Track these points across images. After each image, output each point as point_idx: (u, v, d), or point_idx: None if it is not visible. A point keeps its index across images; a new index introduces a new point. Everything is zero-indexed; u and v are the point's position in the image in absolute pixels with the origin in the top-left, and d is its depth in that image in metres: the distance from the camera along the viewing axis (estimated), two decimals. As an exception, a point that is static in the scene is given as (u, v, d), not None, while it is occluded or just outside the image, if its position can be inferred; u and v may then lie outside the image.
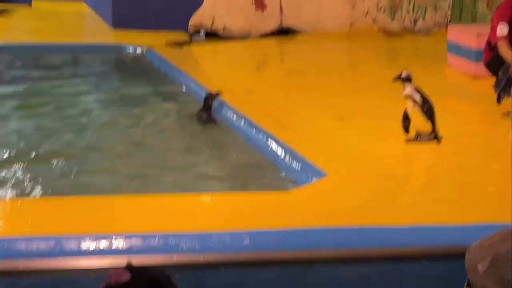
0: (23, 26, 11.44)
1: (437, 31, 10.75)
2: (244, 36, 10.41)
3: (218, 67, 8.21)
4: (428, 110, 4.28)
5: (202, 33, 10.50)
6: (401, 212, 3.24)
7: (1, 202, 3.35)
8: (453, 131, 4.71)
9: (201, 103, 5.36)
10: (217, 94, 5.28)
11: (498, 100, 4.97)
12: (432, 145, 4.36)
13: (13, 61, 8.22)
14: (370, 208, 3.25)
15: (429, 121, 4.27)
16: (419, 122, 4.29)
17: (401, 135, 4.49)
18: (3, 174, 4.04)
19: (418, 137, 4.30)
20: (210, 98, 5.26)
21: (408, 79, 4.38)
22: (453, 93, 5.94)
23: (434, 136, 4.31)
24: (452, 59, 6.97)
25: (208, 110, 5.22)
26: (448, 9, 10.68)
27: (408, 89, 4.35)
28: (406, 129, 4.33)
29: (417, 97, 4.29)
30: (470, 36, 6.63)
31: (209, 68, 8.10)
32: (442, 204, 3.33)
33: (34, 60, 8.24)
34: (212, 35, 10.39)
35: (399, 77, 4.42)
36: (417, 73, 7.37)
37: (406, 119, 4.33)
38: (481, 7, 9.75)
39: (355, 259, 2.83)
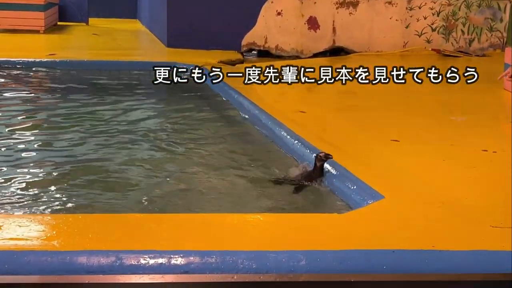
0: (81, 43, 11.75)
1: (492, 53, 10.63)
2: (296, 55, 10.48)
3: (269, 86, 8.24)
4: None
5: (254, 51, 10.63)
6: (459, 237, 3.20)
7: (63, 217, 3.43)
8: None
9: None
10: (327, 156, 4.31)
11: None
12: (490, 172, 4.30)
13: (72, 77, 8.43)
14: (430, 232, 3.22)
15: None
16: None
17: (456, 161, 4.46)
18: (63, 189, 4.14)
19: None
20: (319, 160, 4.30)
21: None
22: (509, 117, 5.84)
23: None
24: (509, 82, 6.87)
25: (316, 173, 4.29)
26: (504, 31, 10.55)
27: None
28: None
29: None
30: (529, 59, 6.54)
31: (260, 87, 8.14)
32: (501, 230, 3.28)
33: (92, 76, 8.44)
34: (264, 53, 10.50)
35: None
36: (473, 96, 7.35)
37: None
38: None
39: (414, 283, 2.81)
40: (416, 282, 2.83)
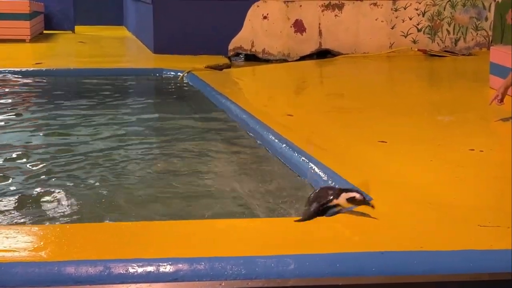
0: (68, 51, 11.71)
1: (478, 52, 10.68)
2: (283, 58, 10.49)
3: (257, 90, 8.27)
4: None
5: (241, 56, 10.63)
6: (447, 237, 3.21)
7: (50, 227, 3.41)
8: (499, 156, 4.67)
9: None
10: (362, 200, 3.35)
11: None
12: (477, 171, 4.32)
13: (59, 85, 8.40)
14: (418, 232, 3.23)
15: None
16: None
17: (444, 161, 4.48)
18: (49, 198, 4.12)
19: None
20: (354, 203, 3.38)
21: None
22: (497, 115, 5.87)
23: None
24: (495, 80, 6.90)
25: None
26: (489, 30, 10.61)
27: None
28: None
29: None
30: (515, 58, 6.57)
31: (247, 91, 8.15)
32: (489, 229, 3.29)
33: (79, 84, 8.42)
34: (251, 57, 10.51)
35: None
36: (459, 94, 7.38)
37: None
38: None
39: (403, 285, 2.82)
40: (405, 284, 2.83)
